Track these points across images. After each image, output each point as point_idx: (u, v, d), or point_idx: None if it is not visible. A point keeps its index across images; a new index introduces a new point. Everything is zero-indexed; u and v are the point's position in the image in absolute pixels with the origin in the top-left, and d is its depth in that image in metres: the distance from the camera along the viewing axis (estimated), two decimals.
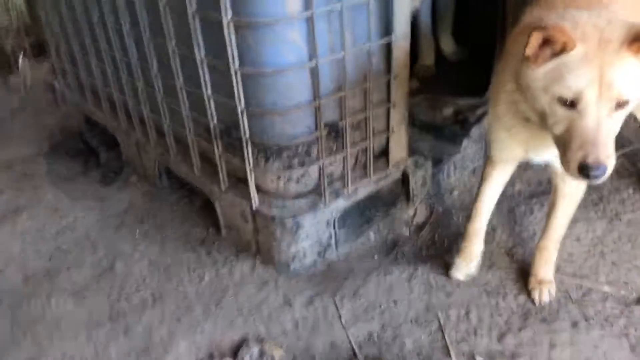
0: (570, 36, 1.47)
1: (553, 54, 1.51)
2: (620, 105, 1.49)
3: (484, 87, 2.85)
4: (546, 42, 1.50)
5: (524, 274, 2.22)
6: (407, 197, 2.57)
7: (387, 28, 2.11)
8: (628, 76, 1.47)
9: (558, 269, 2.18)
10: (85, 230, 2.70)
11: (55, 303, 2.31)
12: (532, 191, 2.61)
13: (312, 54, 1.96)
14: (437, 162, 2.63)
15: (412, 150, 2.56)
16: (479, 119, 2.76)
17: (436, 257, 2.38)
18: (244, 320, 2.16)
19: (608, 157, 1.49)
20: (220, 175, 2.32)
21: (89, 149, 3.31)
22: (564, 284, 2.17)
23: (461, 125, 2.78)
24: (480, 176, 2.18)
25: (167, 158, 2.66)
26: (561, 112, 1.52)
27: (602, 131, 1.48)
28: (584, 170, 1.50)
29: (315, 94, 2.04)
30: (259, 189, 2.25)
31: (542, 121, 1.61)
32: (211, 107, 2.17)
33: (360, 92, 2.18)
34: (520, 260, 2.29)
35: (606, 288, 2.14)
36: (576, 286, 2.17)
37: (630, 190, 2.56)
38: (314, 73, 1.99)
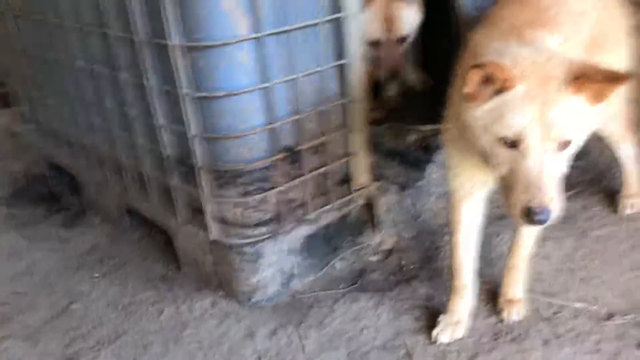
0: (510, 74, 1.40)
1: (493, 92, 1.44)
2: (563, 145, 1.43)
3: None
4: (486, 79, 1.43)
5: (493, 295, 2.15)
6: (374, 224, 2.52)
7: (340, 51, 2.12)
8: (570, 115, 1.41)
9: (528, 288, 2.12)
10: (44, 273, 2.60)
11: (6, 348, 2.19)
12: (500, 213, 2.57)
13: (264, 76, 1.94)
14: (403, 188, 2.60)
15: (378, 177, 2.53)
16: (442, 145, 2.74)
17: (404, 283, 2.31)
18: (203, 355, 2.06)
19: (552, 200, 1.42)
20: (177, 206, 2.26)
21: (53, 194, 3.25)
22: (534, 302, 2.10)
23: (425, 151, 2.76)
24: (449, 224, 2.02)
25: (126, 196, 2.60)
26: (503, 153, 1.45)
27: (546, 173, 1.42)
28: (528, 215, 1.42)
29: (271, 117, 2.01)
30: (217, 219, 2.19)
31: (485, 161, 1.55)
32: (164, 136, 2.13)
33: (318, 115, 2.16)
34: (490, 282, 2.23)
35: (577, 305, 2.07)
36: (547, 304, 2.09)
37: (598, 207, 2.54)
38: (268, 95, 1.97)
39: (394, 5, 2.59)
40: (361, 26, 2.14)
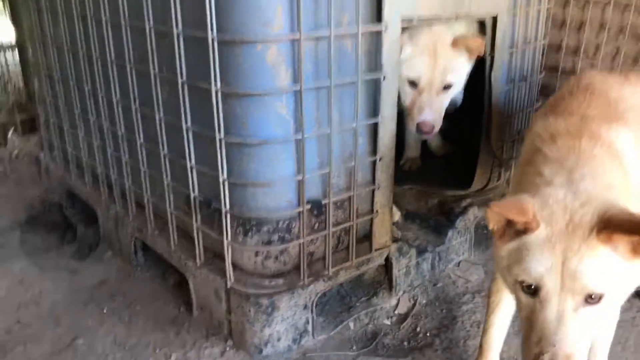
0: (532, 216, 1.31)
1: (516, 232, 1.37)
2: (591, 300, 1.29)
3: (468, 181, 2.87)
4: (509, 220, 1.37)
5: None
6: (390, 285, 2.48)
7: (374, 109, 2.14)
8: (597, 267, 1.28)
9: None
10: (51, 303, 2.56)
11: None
12: None
13: (299, 128, 1.95)
14: (422, 252, 2.57)
15: (397, 238, 2.51)
16: (463, 211, 2.73)
17: (417, 351, 2.25)
18: None
19: (571, 358, 1.27)
20: (197, 249, 2.23)
21: (67, 223, 3.24)
22: None
23: (446, 216, 2.74)
24: (486, 303, 1.94)
25: (144, 232, 2.58)
26: (523, 297, 1.36)
27: (565, 328, 1.28)
28: None
29: (300, 168, 2.01)
30: (235, 266, 2.16)
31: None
32: (193, 177, 2.13)
33: (346, 170, 2.16)
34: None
35: None
36: None
37: None
38: (300, 147, 1.98)
39: (443, 46, 2.42)
40: (396, 86, 2.17)
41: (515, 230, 1.36)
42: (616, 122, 1.67)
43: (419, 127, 2.41)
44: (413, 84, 2.38)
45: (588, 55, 2.98)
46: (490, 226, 1.40)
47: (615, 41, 2.85)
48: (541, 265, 1.30)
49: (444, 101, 2.45)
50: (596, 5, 2.89)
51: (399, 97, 2.34)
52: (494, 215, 1.38)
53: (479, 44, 2.44)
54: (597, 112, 1.73)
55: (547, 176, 1.50)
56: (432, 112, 2.38)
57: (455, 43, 2.38)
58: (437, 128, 2.40)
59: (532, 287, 1.32)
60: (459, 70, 2.43)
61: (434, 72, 2.35)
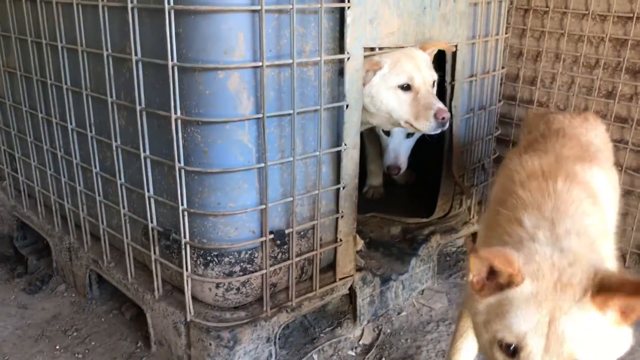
0: (517, 268, 1.24)
1: (498, 285, 1.28)
2: None
3: (431, 209, 2.88)
4: (492, 270, 1.28)
5: None
6: (354, 315, 2.44)
7: (337, 137, 2.12)
8: (586, 331, 1.19)
9: None
10: None
11: None
12: None
13: (262, 157, 1.92)
14: (386, 281, 2.54)
15: (360, 268, 2.48)
16: (426, 239, 2.72)
17: None
18: None
19: None
20: (155, 281, 2.16)
21: (18, 256, 3.10)
22: None
23: (409, 244, 2.73)
24: (454, 328, 1.90)
25: (100, 264, 2.48)
26: (500, 358, 1.26)
27: None
28: None
29: (263, 197, 1.97)
30: (195, 298, 2.09)
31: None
32: (151, 207, 2.07)
33: (309, 199, 2.13)
34: None
35: None
36: None
37: None
38: (263, 176, 1.95)
39: (415, 50, 2.39)
40: (359, 115, 2.16)
41: (497, 283, 1.28)
42: (589, 162, 1.71)
43: (437, 116, 2.26)
44: (406, 87, 2.33)
45: (545, 84, 3.05)
46: (471, 276, 1.30)
47: (570, 71, 2.93)
48: (525, 323, 1.20)
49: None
50: (551, 36, 2.97)
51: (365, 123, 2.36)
52: (478, 262, 1.27)
53: (445, 44, 2.45)
54: (572, 152, 1.77)
55: (528, 228, 1.43)
56: (439, 101, 2.31)
57: (424, 47, 2.39)
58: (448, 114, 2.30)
59: (512, 347, 1.22)
60: (433, 70, 2.44)
61: (421, 70, 2.34)
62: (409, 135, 2.97)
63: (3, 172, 3.16)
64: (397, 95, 2.35)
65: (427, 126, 2.33)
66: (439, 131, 2.38)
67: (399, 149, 3.05)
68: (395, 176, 3.34)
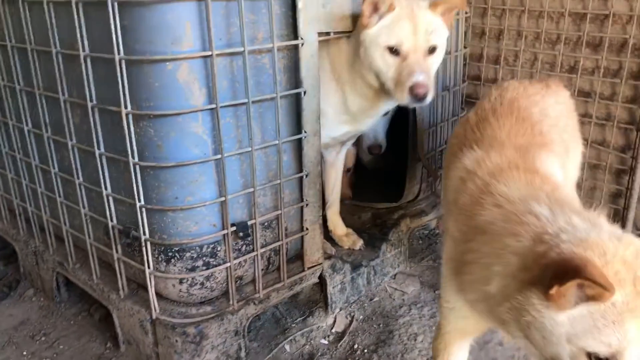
0: (609, 282, 1.12)
1: (584, 298, 1.17)
2: None
3: (399, 194, 2.88)
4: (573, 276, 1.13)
5: None
6: (326, 303, 2.43)
7: (298, 125, 2.09)
8: None
9: None
10: None
11: None
12: None
13: (218, 148, 1.89)
14: (356, 267, 2.53)
15: (330, 255, 2.46)
16: (396, 223, 2.72)
17: None
18: None
19: None
20: (119, 281, 2.12)
21: None
22: None
23: (379, 229, 2.72)
24: (433, 353, 1.79)
25: (66, 266, 2.44)
26: None
27: None
28: None
29: (222, 190, 1.94)
30: (159, 296, 2.07)
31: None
32: (110, 206, 2.03)
33: (271, 189, 2.11)
34: None
35: None
36: None
37: None
38: (220, 167, 1.91)
39: (421, 11, 2.14)
40: (317, 101, 2.13)
41: (584, 296, 1.16)
42: (546, 149, 1.64)
43: (412, 91, 2.01)
44: (395, 51, 2.07)
45: (508, 62, 3.04)
46: (554, 293, 1.16)
47: (533, 48, 2.92)
48: (624, 337, 1.13)
49: (432, 65, 2.13)
50: (512, 13, 2.96)
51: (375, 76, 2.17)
52: (571, 286, 1.14)
53: (459, 1, 2.21)
54: (525, 139, 1.68)
55: (549, 219, 1.30)
56: (424, 73, 2.04)
57: (434, 5, 2.12)
58: (431, 93, 2.05)
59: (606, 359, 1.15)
60: (441, 32, 2.15)
61: (416, 34, 2.07)
62: (385, 113, 2.64)
63: None
64: (384, 55, 2.10)
65: (403, 98, 2.09)
66: (416, 106, 2.24)
67: (377, 128, 2.98)
68: (376, 155, 3.30)
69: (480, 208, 1.46)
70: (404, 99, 2.08)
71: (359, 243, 2.61)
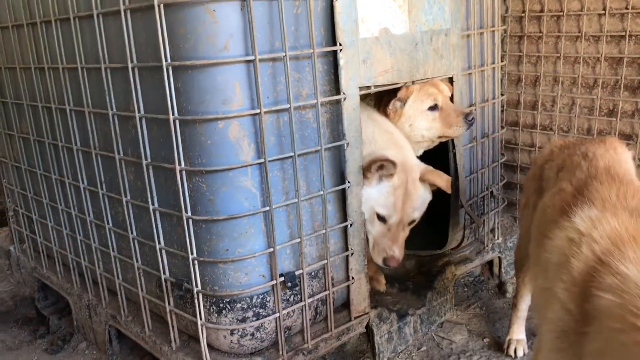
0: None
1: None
2: None
3: (443, 240, 2.88)
4: None
5: None
6: (373, 353, 2.42)
7: (341, 176, 2.15)
8: None
9: None
10: None
11: None
12: None
13: (266, 200, 1.95)
14: (402, 316, 2.53)
15: (376, 304, 2.47)
16: (441, 270, 2.71)
17: None
18: None
19: None
20: (171, 332, 2.17)
21: (40, 317, 3.14)
22: None
23: (424, 277, 2.72)
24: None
25: (118, 319, 2.51)
26: None
27: None
28: None
29: (270, 241, 2.00)
30: (211, 347, 2.10)
31: None
32: (163, 259, 2.10)
33: (317, 239, 2.15)
34: None
35: None
36: None
37: None
38: (269, 219, 1.97)
39: (415, 188, 2.38)
40: (360, 152, 2.19)
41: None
42: None
43: (386, 262, 2.36)
44: (383, 219, 2.34)
45: (546, 108, 3.07)
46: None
47: (570, 92, 2.95)
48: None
49: (406, 235, 2.41)
50: (547, 60, 3.01)
51: None
52: None
53: (445, 181, 2.44)
54: (635, 202, 1.56)
55: None
56: (399, 248, 2.36)
57: (422, 177, 2.40)
58: (400, 261, 2.38)
59: None
60: (423, 206, 2.43)
61: (404, 212, 2.35)
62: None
63: (22, 235, 3.24)
64: (372, 219, 2.36)
65: (377, 259, 2.41)
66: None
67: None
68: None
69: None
70: (378, 261, 2.40)
71: (382, 284, 2.69)
